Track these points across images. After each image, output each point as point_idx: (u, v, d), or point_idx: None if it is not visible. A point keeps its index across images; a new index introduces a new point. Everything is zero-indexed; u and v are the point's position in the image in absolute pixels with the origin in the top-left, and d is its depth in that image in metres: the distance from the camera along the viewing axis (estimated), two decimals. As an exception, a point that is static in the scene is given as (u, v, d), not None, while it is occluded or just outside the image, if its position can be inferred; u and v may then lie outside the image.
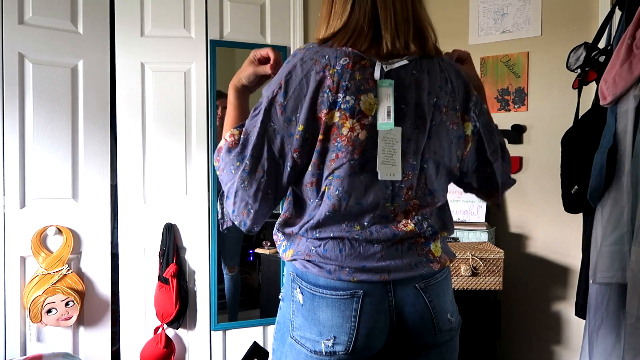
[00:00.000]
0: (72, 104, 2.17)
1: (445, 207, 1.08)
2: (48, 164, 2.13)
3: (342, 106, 0.90)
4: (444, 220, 1.07)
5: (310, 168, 0.94)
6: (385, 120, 0.92)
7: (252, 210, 0.95)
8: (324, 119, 0.91)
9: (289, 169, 0.94)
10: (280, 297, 1.07)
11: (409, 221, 0.98)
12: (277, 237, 1.06)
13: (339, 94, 0.90)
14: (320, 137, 0.92)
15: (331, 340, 0.93)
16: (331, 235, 0.95)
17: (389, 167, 0.93)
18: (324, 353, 0.94)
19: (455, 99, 1.01)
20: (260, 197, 0.94)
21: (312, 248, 0.96)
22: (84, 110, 2.20)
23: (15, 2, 2.04)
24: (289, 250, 1.01)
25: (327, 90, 0.91)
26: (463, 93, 1.03)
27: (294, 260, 0.99)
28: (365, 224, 0.96)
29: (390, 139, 0.93)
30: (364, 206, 0.95)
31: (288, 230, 1.01)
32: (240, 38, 2.37)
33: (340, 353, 0.93)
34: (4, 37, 2.02)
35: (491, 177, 1.10)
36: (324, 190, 0.94)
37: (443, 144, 1.00)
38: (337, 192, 0.93)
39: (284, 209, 1.05)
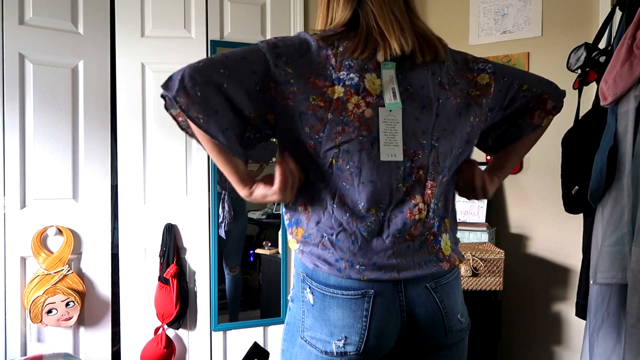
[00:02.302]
0: (72, 105, 2.18)
1: (451, 189, 1.06)
2: (48, 164, 2.13)
3: (347, 82, 0.91)
4: (448, 208, 1.05)
5: (307, 130, 0.92)
6: (391, 100, 0.93)
7: (190, 75, 0.84)
8: (323, 89, 0.91)
9: (258, 88, 0.90)
10: (289, 297, 1.07)
11: (424, 206, 0.97)
12: (283, 211, 1.04)
13: (343, 72, 0.92)
14: (320, 103, 0.91)
15: (342, 341, 0.93)
16: (345, 216, 0.94)
17: (392, 148, 0.94)
18: (335, 353, 0.93)
19: (452, 72, 1.01)
20: (208, 74, 0.85)
21: (325, 235, 0.95)
22: (84, 110, 2.20)
23: (15, 3, 2.04)
24: (298, 229, 0.98)
25: (330, 67, 0.92)
26: (455, 67, 1.03)
27: (304, 243, 0.97)
28: (381, 205, 0.94)
29: (391, 120, 0.94)
30: (377, 184, 0.94)
31: (296, 200, 0.98)
32: (240, 38, 2.37)
33: (351, 353, 0.93)
34: (4, 38, 2.02)
35: (535, 86, 1.09)
36: (332, 162, 0.93)
37: (451, 118, 1.00)
38: (347, 165, 0.93)
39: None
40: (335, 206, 0.94)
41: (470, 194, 1.09)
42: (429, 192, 0.97)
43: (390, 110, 0.93)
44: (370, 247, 0.94)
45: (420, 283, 0.97)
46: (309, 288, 0.97)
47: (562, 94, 1.13)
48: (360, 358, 0.94)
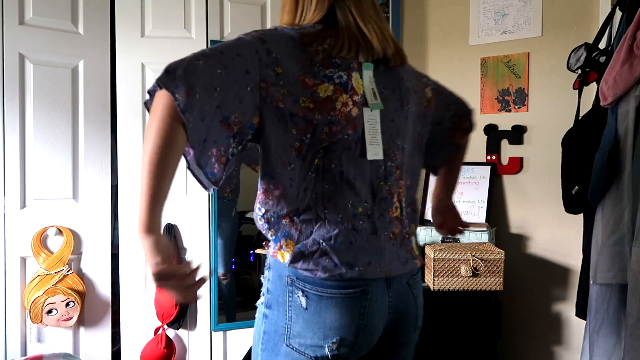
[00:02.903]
0: (72, 105, 2.17)
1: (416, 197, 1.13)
2: (48, 164, 2.13)
3: (337, 81, 0.92)
4: (416, 214, 1.11)
5: (295, 132, 0.90)
6: (373, 100, 0.96)
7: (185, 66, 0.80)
8: (313, 88, 0.90)
9: (249, 89, 0.86)
10: (260, 304, 0.99)
11: (399, 204, 1.01)
12: (261, 225, 0.96)
13: (331, 69, 0.92)
14: (309, 105, 0.89)
15: (336, 343, 0.92)
16: (339, 218, 0.92)
17: (375, 147, 0.96)
18: (329, 357, 0.92)
19: (412, 79, 1.08)
20: (207, 74, 0.81)
21: (322, 241, 0.92)
22: (84, 110, 2.20)
23: (15, 3, 2.04)
24: (289, 241, 0.93)
25: (317, 64, 0.91)
26: (413, 76, 1.10)
27: (297, 260, 0.92)
28: (366, 204, 0.95)
29: (372, 121, 0.96)
30: (359, 182, 0.94)
31: (280, 213, 0.93)
32: (240, 38, 2.37)
33: (343, 354, 0.93)
34: (4, 38, 2.02)
35: (455, 105, 1.21)
36: (316, 164, 0.92)
37: (414, 122, 1.06)
38: (332, 165, 0.92)
39: (260, 188, 0.96)
40: (326, 210, 0.92)
41: (457, 231, 1.29)
42: (401, 191, 1.01)
43: (372, 110, 0.96)
44: (366, 245, 0.95)
45: (402, 279, 1.01)
46: (302, 291, 0.92)
47: (472, 112, 1.24)
48: (352, 357, 0.94)
